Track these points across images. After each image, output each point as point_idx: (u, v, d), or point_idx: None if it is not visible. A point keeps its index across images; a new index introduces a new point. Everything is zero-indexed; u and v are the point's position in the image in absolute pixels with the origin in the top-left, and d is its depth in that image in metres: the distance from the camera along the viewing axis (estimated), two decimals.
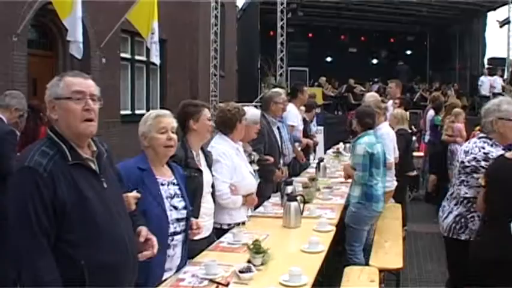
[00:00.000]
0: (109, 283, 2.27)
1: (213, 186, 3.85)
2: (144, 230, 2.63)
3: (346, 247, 4.82)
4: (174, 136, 3.14)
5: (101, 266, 2.23)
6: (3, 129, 4.57)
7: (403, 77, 17.80)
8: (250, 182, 4.34)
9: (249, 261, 3.20)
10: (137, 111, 12.90)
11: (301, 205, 4.31)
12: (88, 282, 2.19)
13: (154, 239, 2.65)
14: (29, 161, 2.18)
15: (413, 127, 8.86)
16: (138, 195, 2.76)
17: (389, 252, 4.77)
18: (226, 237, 3.80)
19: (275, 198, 5.05)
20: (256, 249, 3.24)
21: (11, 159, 4.56)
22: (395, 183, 5.74)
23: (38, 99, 7.48)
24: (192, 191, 3.43)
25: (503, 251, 2.99)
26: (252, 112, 4.75)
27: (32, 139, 5.80)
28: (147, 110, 13.23)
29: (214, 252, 3.51)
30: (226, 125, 4.28)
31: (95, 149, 2.40)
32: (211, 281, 2.91)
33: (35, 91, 9.23)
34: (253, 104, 11.12)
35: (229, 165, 4.11)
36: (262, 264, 3.20)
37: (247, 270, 3.00)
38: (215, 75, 16.17)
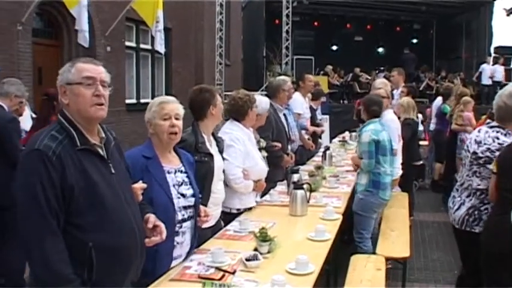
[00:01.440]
0: (116, 266, 2.31)
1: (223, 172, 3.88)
2: (152, 217, 2.64)
3: (354, 235, 4.82)
4: (178, 123, 3.07)
5: (109, 249, 2.25)
6: (5, 117, 4.55)
7: (409, 65, 17.67)
8: (262, 168, 4.42)
9: (255, 249, 3.20)
10: (142, 100, 12.88)
11: (308, 193, 4.30)
12: (96, 264, 2.21)
13: (162, 226, 2.65)
14: (39, 144, 2.19)
15: (420, 115, 8.75)
16: (144, 185, 2.73)
17: (396, 241, 4.75)
18: (233, 225, 3.80)
19: (281, 187, 5.05)
20: (263, 237, 3.24)
21: (17, 146, 4.55)
22: (400, 171, 5.70)
23: (53, 88, 7.50)
24: (202, 175, 3.44)
25: None
26: (264, 101, 4.93)
27: (43, 126, 5.83)
28: (153, 98, 13.17)
29: (221, 240, 3.51)
30: (238, 112, 4.36)
31: (103, 135, 2.42)
32: (218, 268, 2.91)
33: (40, 80, 9.22)
34: (259, 92, 11.10)
35: (242, 150, 4.20)
36: (268, 252, 3.20)
37: (254, 258, 3.00)
38: (220, 63, 16.16)
